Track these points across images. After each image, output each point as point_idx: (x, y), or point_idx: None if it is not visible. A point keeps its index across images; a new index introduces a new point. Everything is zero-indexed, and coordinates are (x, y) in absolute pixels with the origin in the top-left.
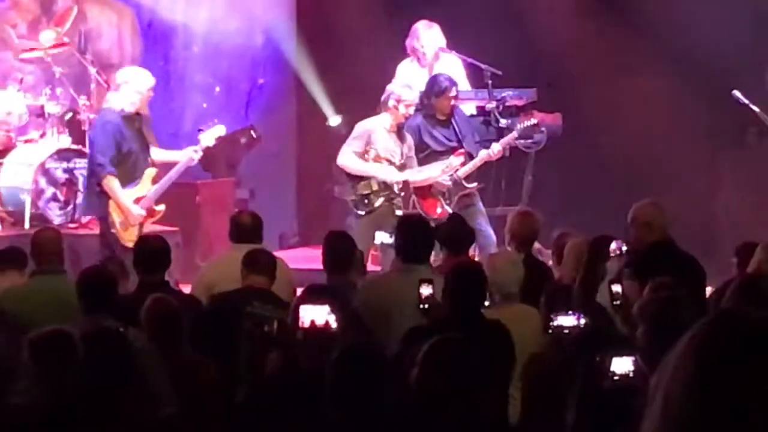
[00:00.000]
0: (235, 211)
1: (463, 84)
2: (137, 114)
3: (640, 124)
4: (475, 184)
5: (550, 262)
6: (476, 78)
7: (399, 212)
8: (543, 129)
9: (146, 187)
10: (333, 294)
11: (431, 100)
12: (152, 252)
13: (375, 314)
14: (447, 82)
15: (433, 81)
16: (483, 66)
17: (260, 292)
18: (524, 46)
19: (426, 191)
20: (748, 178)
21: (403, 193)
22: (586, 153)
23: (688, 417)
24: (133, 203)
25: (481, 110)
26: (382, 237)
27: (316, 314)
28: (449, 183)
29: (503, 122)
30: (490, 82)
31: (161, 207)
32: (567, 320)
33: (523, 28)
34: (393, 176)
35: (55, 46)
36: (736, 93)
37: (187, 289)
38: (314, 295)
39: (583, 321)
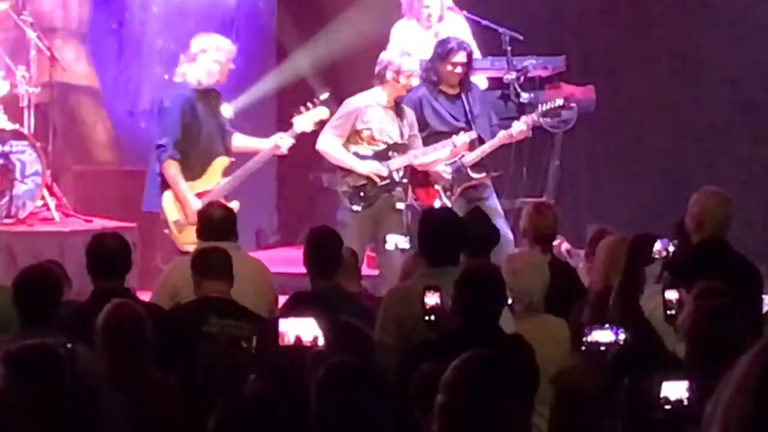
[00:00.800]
0: (204, 204)
1: (474, 52)
2: (214, 90)
3: (693, 100)
4: (483, 174)
5: (581, 265)
6: (492, 44)
7: (400, 205)
8: (573, 105)
9: (214, 179)
10: (320, 303)
11: (435, 66)
12: (109, 253)
13: (402, 329)
14: (455, 44)
15: (440, 43)
16: (500, 29)
17: (217, 302)
18: (550, 5)
19: (423, 179)
20: None
21: (405, 181)
22: (626, 134)
23: None
24: (195, 197)
25: (498, 82)
26: (396, 240)
27: (301, 329)
28: (449, 174)
29: (525, 97)
30: (509, 48)
31: (234, 204)
32: (603, 335)
33: None
34: (380, 169)
35: None
36: None
37: (146, 297)
38: (299, 306)
39: (622, 336)
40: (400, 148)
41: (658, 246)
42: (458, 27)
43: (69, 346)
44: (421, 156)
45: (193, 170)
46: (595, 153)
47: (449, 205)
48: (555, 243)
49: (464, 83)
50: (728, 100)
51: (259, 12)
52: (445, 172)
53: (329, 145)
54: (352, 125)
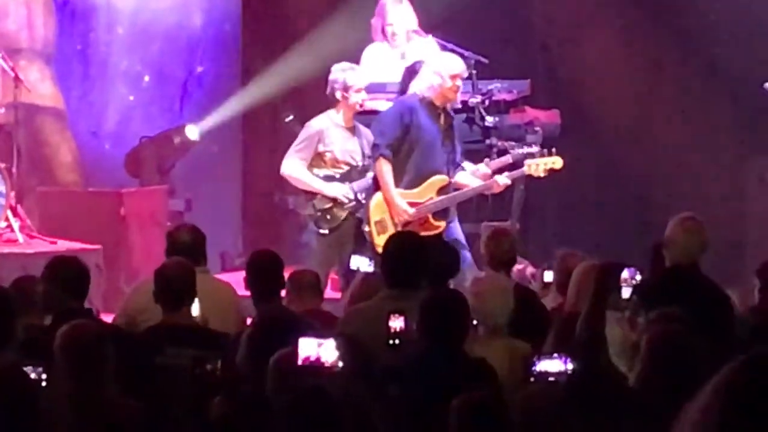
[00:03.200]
0: (169, 226)
1: None
2: (444, 109)
3: (655, 124)
4: (442, 224)
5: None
6: None
7: (366, 228)
8: (537, 129)
9: (427, 194)
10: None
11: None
12: (68, 275)
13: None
14: (463, 63)
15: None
16: (465, 53)
17: (180, 330)
18: (515, 29)
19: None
20: None
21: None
22: (590, 158)
23: None
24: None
25: (463, 105)
26: (360, 262)
27: (320, 349)
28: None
29: (489, 120)
30: (474, 71)
31: (441, 224)
32: (552, 365)
33: (513, 8)
34: (347, 192)
35: None
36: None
37: (110, 319)
38: (261, 329)
39: (571, 366)
40: (359, 168)
41: (625, 274)
42: (426, 49)
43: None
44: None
45: (410, 176)
46: (560, 177)
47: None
48: (520, 267)
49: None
50: (697, 122)
51: (225, 34)
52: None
53: (294, 169)
54: (315, 148)
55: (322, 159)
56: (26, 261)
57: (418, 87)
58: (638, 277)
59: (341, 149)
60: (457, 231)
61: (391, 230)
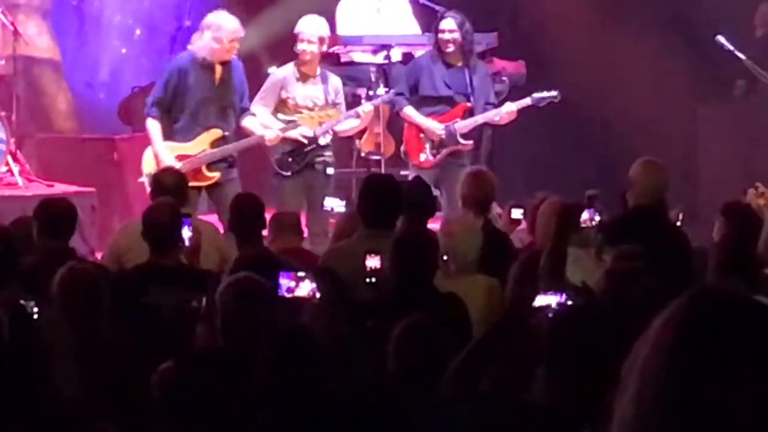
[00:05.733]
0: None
1: (413, 27)
2: (222, 64)
3: (613, 73)
4: (470, 142)
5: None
6: (428, 20)
7: (330, 170)
8: (504, 78)
9: (199, 147)
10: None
11: (435, 33)
12: (54, 215)
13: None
14: (442, 14)
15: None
16: (437, 7)
17: (167, 269)
18: None
19: (416, 133)
20: (733, 134)
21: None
22: (554, 107)
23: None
24: (173, 157)
25: None
26: (333, 203)
27: (298, 283)
28: (442, 133)
29: None
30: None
31: (215, 174)
32: (549, 299)
33: None
34: (304, 131)
35: None
36: (721, 39)
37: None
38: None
39: (565, 299)
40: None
41: (585, 215)
42: (400, 4)
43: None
44: (339, 124)
45: (182, 133)
46: (524, 124)
47: (432, 160)
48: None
49: (468, 57)
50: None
51: None
52: (438, 129)
53: (251, 122)
54: (278, 95)
55: (285, 105)
56: (25, 203)
57: (195, 47)
58: (597, 218)
59: (302, 95)
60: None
61: None
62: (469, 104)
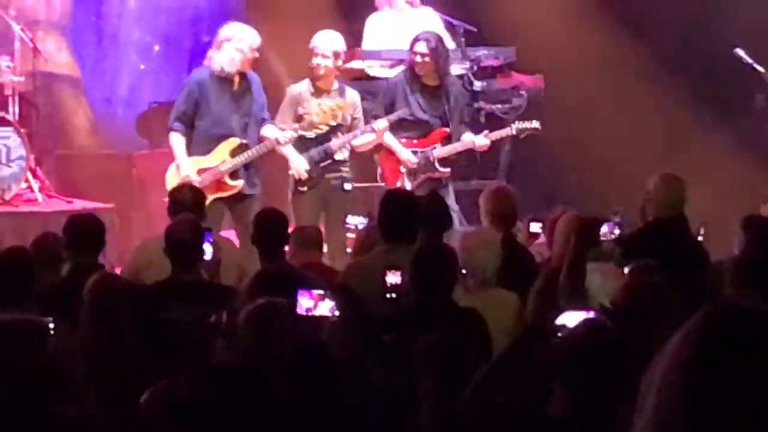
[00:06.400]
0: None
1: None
2: (240, 76)
3: (634, 88)
4: (447, 170)
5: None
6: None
7: (348, 186)
8: (522, 92)
9: (219, 158)
10: (270, 282)
11: (409, 54)
12: (83, 232)
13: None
14: (424, 35)
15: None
16: (455, 22)
17: (188, 285)
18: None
19: (392, 158)
20: (754, 148)
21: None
22: (573, 120)
23: (684, 422)
24: (195, 171)
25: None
26: (356, 221)
27: (317, 301)
28: (416, 161)
29: (477, 85)
30: (462, 39)
31: (238, 182)
32: (569, 314)
33: None
34: (301, 170)
35: None
36: (739, 52)
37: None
38: (261, 282)
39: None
40: (342, 129)
41: (604, 229)
42: (430, 18)
43: (44, 321)
44: (355, 137)
45: (201, 146)
46: (543, 138)
47: (408, 187)
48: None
49: (443, 77)
50: (683, 83)
51: (228, 6)
52: (410, 160)
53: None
54: (294, 111)
55: (302, 120)
56: (45, 219)
57: (214, 61)
58: (617, 232)
59: (317, 111)
60: (451, 194)
61: None
62: (446, 129)
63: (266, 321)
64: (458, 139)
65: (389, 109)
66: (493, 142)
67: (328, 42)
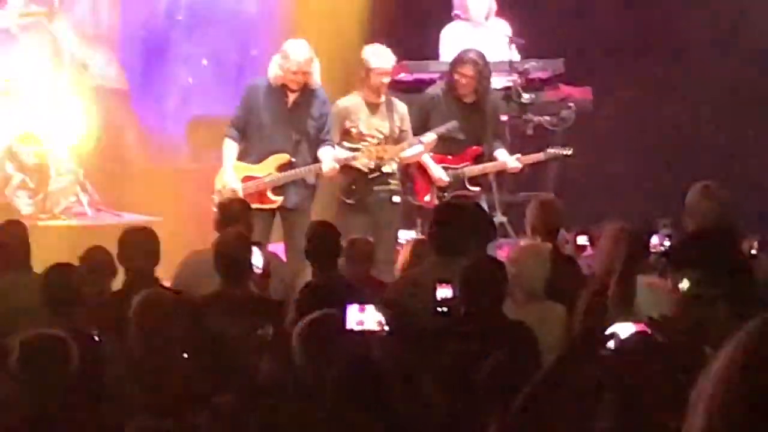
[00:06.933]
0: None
1: (510, 54)
2: (299, 91)
3: (687, 98)
4: (477, 189)
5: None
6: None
7: (396, 198)
8: (571, 105)
9: (266, 170)
10: (323, 294)
11: (450, 72)
12: (138, 245)
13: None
14: (466, 56)
15: (459, 53)
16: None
17: (237, 298)
18: (550, 10)
19: (423, 172)
20: None
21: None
22: (622, 132)
23: None
24: (238, 178)
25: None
26: (408, 235)
27: (366, 315)
28: (447, 180)
29: (526, 97)
30: (514, 49)
31: (278, 198)
32: (618, 327)
33: None
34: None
35: (24, 15)
36: None
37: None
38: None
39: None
40: (390, 142)
41: (654, 240)
42: (501, 31)
43: (92, 333)
44: (402, 150)
45: (251, 155)
46: (592, 150)
47: (436, 203)
48: None
49: (482, 94)
50: (727, 92)
51: (278, 19)
52: (442, 178)
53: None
54: (341, 125)
55: (350, 134)
56: (94, 233)
57: (269, 72)
58: (666, 243)
59: (366, 123)
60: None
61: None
62: (479, 148)
63: (322, 334)
64: (491, 155)
65: (423, 124)
66: (539, 151)
67: (386, 61)
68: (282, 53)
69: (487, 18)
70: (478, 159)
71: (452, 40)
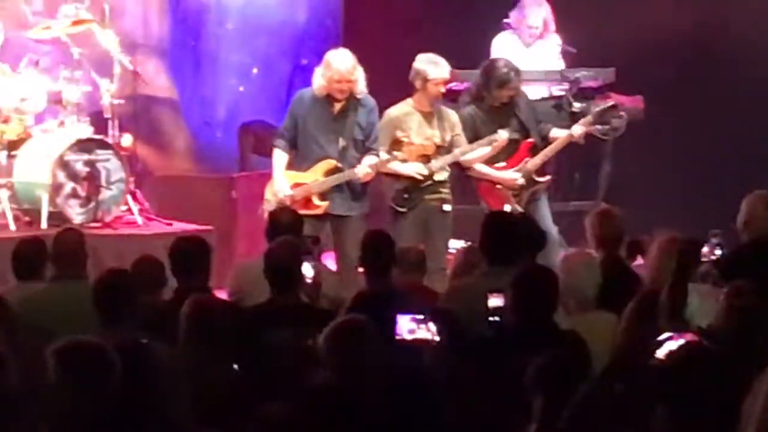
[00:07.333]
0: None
1: (558, 64)
2: (345, 100)
3: (741, 107)
4: (547, 177)
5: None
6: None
7: (447, 207)
8: (622, 114)
9: (313, 176)
10: (376, 303)
11: (490, 91)
12: (189, 254)
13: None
14: (509, 71)
15: (492, 68)
16: (569, 48)
17: (287, 308)
18: (601, 18)
19: (491, 186)
20: None
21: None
22: (673, 141)
23: None
24: (288, 185)
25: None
26: (457, 244)
27: (418, 326)
28: (521, 181)
29: (577, 106)
30: (562, 60)
31: (324, 203)
32: (674, 339)
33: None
34: (420, 169)
35: (74, 24)
36: None
37: (222, 296)
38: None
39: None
40: (442, 150)
41: (705, 249)
42: (555, 46)
43: (144, 342)
44: (463, 154)
45: (300, 162)
46: (643, 159)
47: (519, 209)
48: None
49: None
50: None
51: (327, 29)
52: (515, 179)
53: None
54: (392, 135)
55: (401, 144)
56: (145, 242)
57: (313, 83)
58: (718, 253)
59: (418, 132)
60: (547, 206)
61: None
62: (530, 140)
63: (351, 339)
64: (545, 140)
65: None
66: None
67: (443, 70)
68: (324, 63)
69: (541, 36)
70: (533, 150)
71: (504, 51)
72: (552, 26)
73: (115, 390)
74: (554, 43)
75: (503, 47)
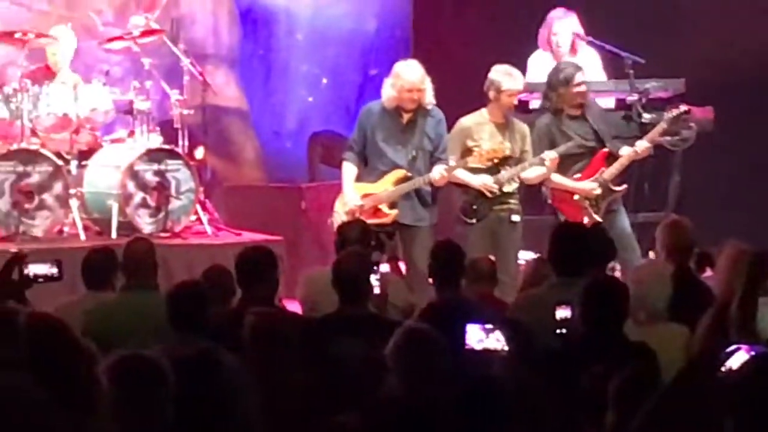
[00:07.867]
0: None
1: (600, 76)
2: (414, 111)
3: None
4: (624, 186)
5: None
6: (616, 67)
7: (516, 218)
8: (692, 124)
9: (382, 186)
10: (444, 313)
11: (558, 91)
12: (255, 263)
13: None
14: (571, 68)
15: (555, 70)
16: (623, 54)
17: (356, 319)
18: (670, 29)
19: (568, 197)
20: None
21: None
22: (743, 152)
23: None
24: (359, 197)
25: (622, 103)
26: (528, 256)
27: (486, 335)
28: (599, 191)
29: (647, 117)
30: (631, 71)
31: (393, 212)
32: (740, 350)
33: (668, 7)
34: (489, 182)
35: (144, 35)
36: None
37: (292, 305)
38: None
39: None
40: (512, 161)
41: None
42: (589, 57)
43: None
44: (523, 170)
45: (369, 174)
46: (713, 170)
47: (599, 220)
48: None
49: (585, 104)
50: None
51: (396, 39)
52: (593, 189)
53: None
54: (463, 144)
55: (471, 153)
56: (214, 252)
57: (382, 95)
58: None
59: (489, 144)
60: (626, 216)
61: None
62: (606, 149)
63: (419, 348)
64: (617, 152)
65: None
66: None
67: (517, 82)
68: (394, 74)
69: (573, 52)
70: (609, 159)
71: (538, 69)
72: (581, 41)
73: (170, 403)
74: (590, 55)
75: (537, 65)
